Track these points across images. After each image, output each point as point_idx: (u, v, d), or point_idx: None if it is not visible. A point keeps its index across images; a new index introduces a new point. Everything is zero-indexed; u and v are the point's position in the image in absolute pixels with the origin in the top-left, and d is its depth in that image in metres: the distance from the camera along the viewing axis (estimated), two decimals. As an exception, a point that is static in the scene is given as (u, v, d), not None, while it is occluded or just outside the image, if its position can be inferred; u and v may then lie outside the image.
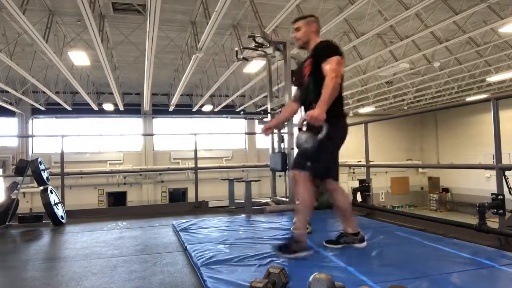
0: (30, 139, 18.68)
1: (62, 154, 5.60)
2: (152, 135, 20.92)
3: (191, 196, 17.31)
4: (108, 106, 17.70)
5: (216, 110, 19.11)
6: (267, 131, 3.31)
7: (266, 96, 6.83)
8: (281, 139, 5.77)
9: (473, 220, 3.48)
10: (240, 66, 11.24)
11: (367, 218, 4.45)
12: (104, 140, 19.21)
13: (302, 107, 3.19)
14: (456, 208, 22.66)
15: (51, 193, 4.70)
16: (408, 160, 23.97)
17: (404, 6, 8.24)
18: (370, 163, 5.42)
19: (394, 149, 23.28)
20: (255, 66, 11.48)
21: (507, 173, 4.14)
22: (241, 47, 9.19)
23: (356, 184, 19.03)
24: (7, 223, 4.52)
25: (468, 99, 19.18)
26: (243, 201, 5.20)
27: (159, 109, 19.52)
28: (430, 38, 10.99)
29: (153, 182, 19.81)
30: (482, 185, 16.43)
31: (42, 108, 17.36)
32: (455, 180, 22.41)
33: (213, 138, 20.20)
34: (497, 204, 3.17)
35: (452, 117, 22.48)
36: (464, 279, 2.29)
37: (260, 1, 8.85)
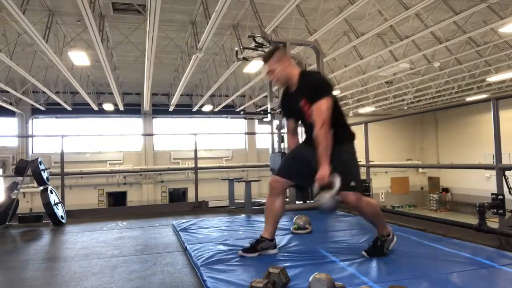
0: (30, 139, 18.68)
1: (62, 154, 5.60)
2: (152, 135, 20.92)
3: (191, 196, 17.31)
4: (108, 106, 17.70)
5: (216, 110, 19.11)
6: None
7: (266, 96, 6.83)
8: (281, 139, 5.77)
9: (473, 220, 3.48)
10: (240, 66, 11.24)
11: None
12: (104, 140, 19.21)
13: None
14: (456, 208, 22.66)
15: (51, 193, 4.70)
16: (408, 160, 23.97)
17: (404, 6, 8.24)
18: (370, 163, 5.42)
19: (394, 149, 23.29)
20: (255, 66, 11.48)
21: (507, 173, 4.14)
22: (241, 47, 9.20)
23: (356, 184, 19.09)
24: (7, 223, 4.51)
25: (468, 99, 19.17)
26: (243, 201, 5.20)
27: (159, 109, 19.52)
28: (430, 38, 11.00)
29: (153, 182, 19.82)
30: (482, 185, 16.44)
31: (42, 108, 17.36)
32: (455, 180, 22.41)
33: (213, 138, 20.20)
34: (497, 204, 3.17)
35: (452, 117, 22.48)
36: (464, 279, 2.29)
37: (260, 1, 8.85)
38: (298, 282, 2.23)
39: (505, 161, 3.52)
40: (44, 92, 14.54)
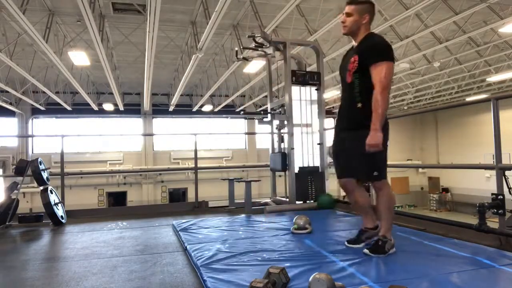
0: (30, 139, 18.68)
1: (62, 154, 5.60)
2: (152, 135, 20.93)
3: (191, 196, 17.31)
4: (108, 106, 17.71)
5: (216, 110, 19.12)
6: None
7: (266, 96, 6.83)
8: (281, 139, 5.77)
9: (473, 220, 3.48)
10: (240, 66, 11.24)
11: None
12: (104, 140, 19.22)
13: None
14: (456, 208, 22.67)
15: (51, 193, 4.70)
16: (408, 160, 23.98)
17: (404, 6, 8.25)
18: (370, 163, 5.40)
19: (394, 149, 23.26)
20: (255, 66, 11.48)
21: (507, 173, 4.14)
22: (241, 47, 9.20)
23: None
24: (7, 223, 4.51)
25: (468, 99, 19.18)
26: (243, 201, 5.20)
27: (159, 109, 19.53)
28: (430, 38, 11.00)
29: (153, 182, 19.82)
30: (482, 185, 16.44)
31: (42, 108, 17.36)
32: (455, 180, 22.41)
33: (213, 138, 20.21)
34: (497, 204, 3.17)
35: (452, 117, 22.48)
36: (464, 279, 2.29)
37: (260, 1, 8.85)
38: (298, 282, 2.23)
39: (505, 161, 3.51)
40: (44, 92, 14.55)
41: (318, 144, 5.72)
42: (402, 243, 3.12)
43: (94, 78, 15.82)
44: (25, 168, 4.78)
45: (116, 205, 18.05)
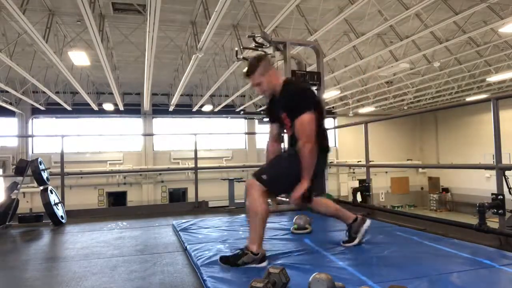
0: (30, 139, 18.68)
1: (62, 154, 5.60)
2: (152, 135, 20.93)
3: (191, 196, 17.31)
4: (108, 106, 17.70)
5: (216, 110, 19.11)
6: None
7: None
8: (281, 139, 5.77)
9: (473, 220, 3.48)
10: (240, 66, 11.22)
11: (367, 218, 4.44)
12: (104, 140, 19.22)
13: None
14: (456, 208, 22.66)
15: (51, 193, 4.70)
16: (408, 160, 23.97)
17: (404, 6, 8.24)
18: (370, 163, 5.42)
19: (394, 149, 23.29)
20: (255, 66, 11.46)
21: (507, 173, 4.14)
22: (241, 47, 9.20)
23: (356, 184, 19.09)
24: (7, 223, 4.51)
25: (468, 99, 19.17)
26: (243, 201, 5.19)
27: (159, 109, 19.52)
28: (430, 38, 10.99)
29: (153, 182, 19.82)
30: (482, 185, 16.45)
31: (42, 108, 17.36)
32: (455, 180, 22.41)
33: (213, 138, 20.21)
34: (497, 204, 3.17)
35: (452, 117, 22.48)
36: (464, 279, 2.29)
37: (260, 1, 8.85)
38: (298, 282, 2.23)
39: (505, 161, 3.52)
40: (44, 92, 14.54)
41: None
42: (402, 243, 3.13)
43: (94, 78, 15.81)
44: (25, 168, 4.78)
45: (116, 205, 18.04)
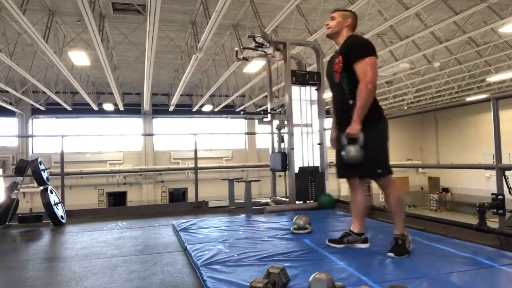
0: (30, 139, 18.69)
1: (62, 154, 5.60)
2: (152, 135, 20.93)
3: (191, 196, 17.31)
4: (108, 106, 17.71)
5: (216, 110, 19.12)
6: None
7: (266, 96, 6.83)
8: (281, 139, 5.77)
9: (473, 220, 3.48)
10: (240, 66, 11.24)
11: (367, 218, 4.43)
12: (104, 140, 19.22)
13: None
14: (456, 208, 22.66)
15: (51, 193, 4.70)
16: (408, 160, 23.97)
17: (404, 6, 8.25)
18: (370, 163, 5.40)
19: (394, 149, 23.17)
20: (255, 66, 11.48)
21: (507, 173, 4.14)
22: (241, 47, 9.20)
23: (356, 184, 19.10)
24: (7, 223, 4.51)
25: (468, 99, 19.18)
26: (243, 201, 5.20)
27: (159, 109, 19.53)
28: (430, 38, 11.00)
29: (153, 182, 19.82)
30: (482, 185, 16.45)
31: (42, 108, 17.36)
32: (455, 180, 22.41)
33: (213, 138, 20.21)
34: (497, 204, 3.17)
35: (452, 117, 22.48)
36: (464, 279, 2.29)
37: (260, 1, 8.85)
38: (298, 282, 2.23)
39: (505, 161, 3.51)
40: (44, 92, 14.55)
41: (318, 144, 5.72)
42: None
43: (94, 78, 15.81)
44: (25, 168, 4.78)
45: (116, 205, 18.04)
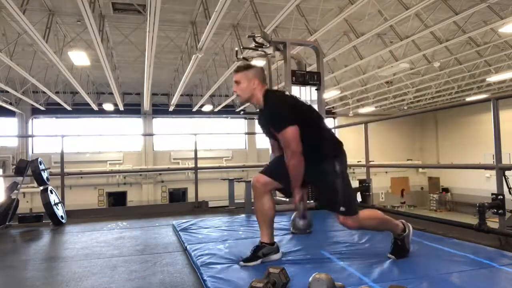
0: (30, 139, 18.68)
1: (62, 154, 5.60)
2: (152, 135, 20.93)
3: (191, 196, 17.30)
4: (108, 106, 17.71)
5: (216, 110, 19.11)
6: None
7: (266, 96, 6.82)
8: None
9: (473, 220, 3.48)
10: (240, 66, 11.22)
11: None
12: (104, 140, 19.21)
13: None
14: (456, 208, 22.65)
15: (51, 193, 4.70)
16: (408, 160, 23.96)
17: (404, 6, 8.24)
18: (370, 163, 5.42)
19: (394, 149, 23.27)
20: (255, 66, 11.45)
21: (507, 173, 4.14)
22: (241, 47, 9.20)
23: (356, 184, 19.07)
24: (7, 223, 4.51)
25: (468, 99, 19.17)
26: (243, 201, 5.19)
27: (159, 109, 19.52)
28: (430, 38, 11.00)
29: (153, 182, 19.81)
30: (482, 185, 16.43)
31: (42, 108, 17.36)
32: (455, 180, 22.40)
33: (213, 138, 20.20)
34: (497, 204, 3.17)
35: (452, 117, 22.48)
36: (464, 279, 2.29)
37: (260, 1, 8.85)
38: (298, 282, 2.23)
39: (505, 161, 3.52)
40: (44, 92, 14.54)
41: (318, 144, 5.71)
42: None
43: (94, 78, 15.81)
44: (25, 168, 4.78)
45: (116, 205, 18.03)
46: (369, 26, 9.55)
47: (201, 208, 5.68)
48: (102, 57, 9.66)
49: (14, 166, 5.79)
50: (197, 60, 9.83)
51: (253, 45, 5.85)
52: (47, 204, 4.53)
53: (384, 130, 22.63)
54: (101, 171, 18.19)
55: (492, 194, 3.23)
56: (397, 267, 2.51)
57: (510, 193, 9.01)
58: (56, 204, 4.66)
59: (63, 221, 4.71)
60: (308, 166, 2.61)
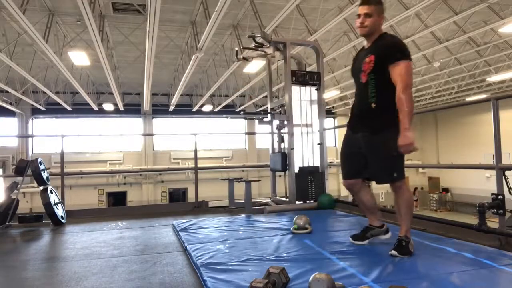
0: (30, 139, 18.69)
1: (62, 154, 5.60)
2: (152, 135, 20.93)
3: (191, 196, 17.31)
4: (108, 106, 17.71)
5: (216, 110, 19.12)
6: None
7: (266, 96, 6.83)
8: (281, 139, 5.77)
9: (473, 220, 3.48)
10: (240, 66, 11.24)
11: (367, 218, 4.44)
12: (104, 140, 19.22)
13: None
14: (456, 208, 22.66)
15: (51, 193, 4.70)
16: (408, 160, 23.87)
17: (404, 6, 8.25)
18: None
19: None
20: (255, 66, 11.48)
21: (507, 173, 4.14)
22: (241, 47, 9.20)
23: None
24: (7, 223, 4.51)
25: (468, 99, 19.18)
26: (243, 201, 5.19)
27: (159, 109, 19.53)
28: (430, 38, 11.00)
29: (153, 182, 19.82)
30: (482, 185, 16.42)
31: (42, 108, 17.36)
32: (455, 180, 22.41)
33: (213, 138, 20.21)
34: (497, 204, 3.17)
35: (452, 117, 22.48)
36: (464, 279, 2.29)
37: (260, 1, 8.85)
38: (298, 282, 2.23)
39: (505, 161, 3.51)
40: (44, 92, 14.55)
41: (318, 144, 5.72)
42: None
43: (94, 78, 15.82)
44: (25, 168, 4.78)
45: (116, 205, 18.04)
46: (369, 26, 9.54)
47: (201, 208, 5.68)
48: (102, 57, 9.66)
49: (14, 166, 5.79)
50: (197, 60, 9.83)
51: (253, 45, 5.85)
52: (47, 204, 4.53)
53: (384, 130, 22.62)
54: (101, 171, 18.20)
55: (492, 194, 3.23)
56: (397, 267, 2.51)
57: (510, 193, 9.01)
58: (56, 204, 4.66)
59: (63, 221, 4.70)
60: (381, 124, 2.72)
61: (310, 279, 2.02)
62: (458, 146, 21.99)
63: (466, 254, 2.73)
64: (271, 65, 6.43)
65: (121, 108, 17.55)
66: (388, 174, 2.78)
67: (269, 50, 5.71)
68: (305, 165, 5.64)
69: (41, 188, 4.71)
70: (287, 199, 5.58)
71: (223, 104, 17.97)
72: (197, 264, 2.67)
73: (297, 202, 5.41)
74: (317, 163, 5.70)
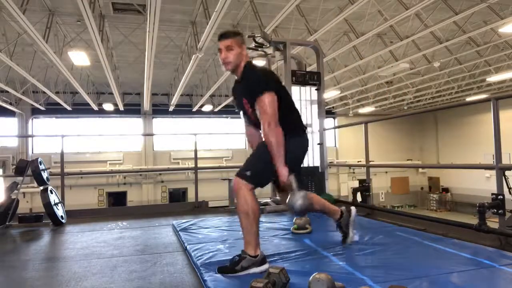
0: (30, 139, 18.69)
1: (62, 154, 5.60)
2: (152, 135, 20.93)
3: (191, 196, 17.31)
4: (108, 106, 17.71)
5: (216, 110, 19.12)
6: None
7: (266, 96, 6.82)
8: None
9: (473, 220, 3.48)
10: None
11: (367, 218, 4.45)
12: (104, 140, 19.22)
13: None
14: (456, 208, 22.66)
15: (51, 193, 4.70)
16: (408, 160, 23.97)
17: (404, 6, 8.24)
18: (370, 163, 5.42)
19: (394, 149, 23.28)
20: (255, 66, 11.45)
21: (507, 173, 4.14)
22: (241, 47, 9.18)
23: (356, 184, 19.11)
24: (7, 223, 4.51)
25: (468, 99, 19.18)
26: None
27: (159, 109, 19.53)
28: (430, 38, 11.00)
29: (153, 182, 19.82)
30: (482, 185, 16.43)
31: (42, 108, 17.36)
32: (455, 180, 22.41)
33: (213, 138, 20.21)
34: (497, 204, 3.17)
35: (452, 117, 22.48)
36: (464, 279, 2.29)
37: (260, 1, 8.85)
38: (298, 282, 2.23)
39: (505, 161, 3.52)
40: (44, 92, 14.54)
41: (318, 144, 5.72)
42: (402, 243, 3.13)
43: (94, 78, 15.81)
44: (25, 168, 4.78)
45: (116, 205, 18.04)
46: (369, 26, 9.55)
47: (201, 208, 5.68)
48: (102, 57, 9.66)
49: (14, 166, 5.79)
50: (197, 60, 9.83)
51: (253, 45, 5.85)
52: (47, 204, 4.53)
53: (384, 130, 22.65)
54: (101, 171, 18.20)
55: (492, 194, 3.23)
56: (397, 267, 2.51)
57: (510, 193, 9.01)
58: (56, 204, 4.66)
59: (63, 221, 4.71)
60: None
61: (310, 279, 2.03)
62: (458, 146, 21.99)
63: (466, 254, 2.73)
64: (271, 65, 6.42)
65: (121, 108, 17.55)
66: (244, 168, 2.58)
67: (269, 50, 5.72)
68: (305, 165, 5.64)
69: (41, 188, 4.71)
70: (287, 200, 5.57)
71: (223, 104, 17.96)
72: (197, 264, 2.67)
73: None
74: (317, 163, 5.69)
